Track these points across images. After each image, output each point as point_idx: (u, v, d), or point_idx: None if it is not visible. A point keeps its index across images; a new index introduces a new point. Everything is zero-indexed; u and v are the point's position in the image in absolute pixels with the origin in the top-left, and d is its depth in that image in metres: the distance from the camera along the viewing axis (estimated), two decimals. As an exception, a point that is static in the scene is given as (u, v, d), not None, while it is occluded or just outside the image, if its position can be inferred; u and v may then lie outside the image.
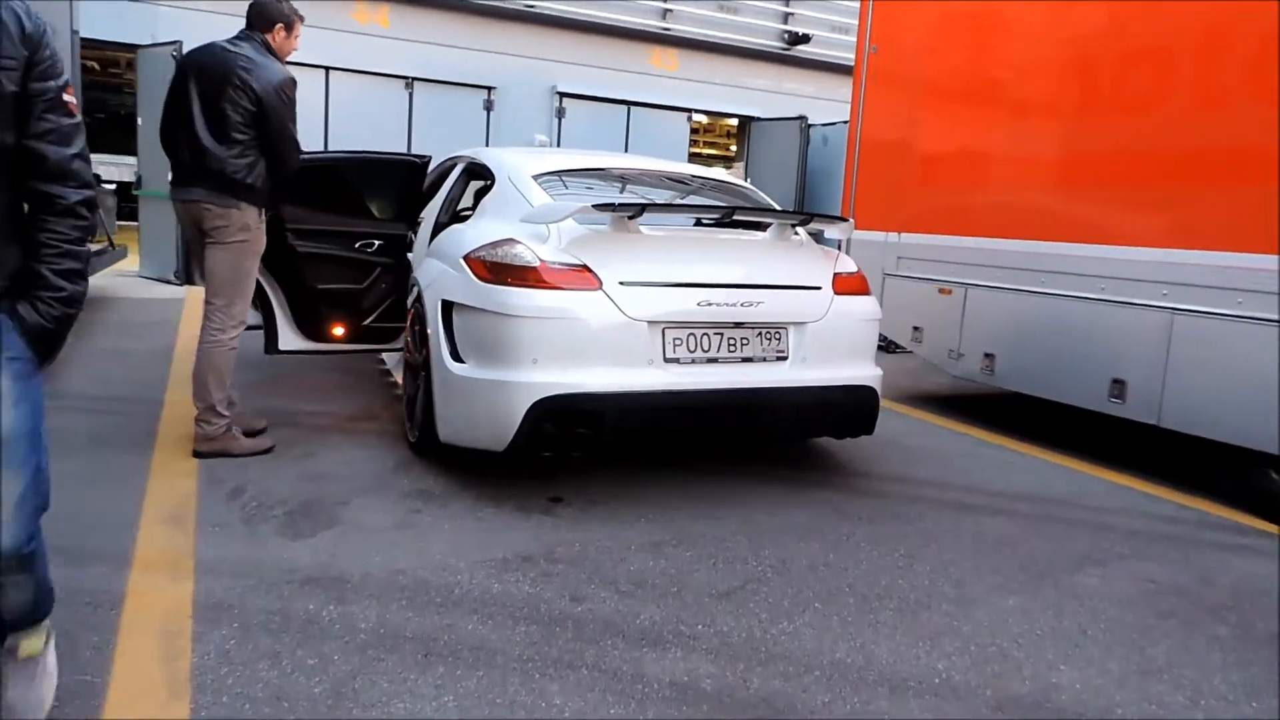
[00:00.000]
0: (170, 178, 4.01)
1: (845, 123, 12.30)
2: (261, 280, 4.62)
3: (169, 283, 10.14)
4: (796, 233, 4.09)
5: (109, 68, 17.71)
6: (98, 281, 9.29)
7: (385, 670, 2.31)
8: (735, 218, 3.80)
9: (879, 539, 3.46)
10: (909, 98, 6.07)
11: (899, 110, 6.14)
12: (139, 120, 10.51)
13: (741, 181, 4.76)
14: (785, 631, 2.66)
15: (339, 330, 4.80)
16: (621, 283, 3.48)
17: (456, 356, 3.66)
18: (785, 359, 3.74)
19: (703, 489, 3.89)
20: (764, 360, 3.70)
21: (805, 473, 4.26)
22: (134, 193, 10.81)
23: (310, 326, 4.74)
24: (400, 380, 4.83)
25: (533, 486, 3.78)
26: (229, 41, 3.93)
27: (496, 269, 3.54)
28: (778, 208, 4.37)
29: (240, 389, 5.19)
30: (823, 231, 4.93)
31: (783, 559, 3.20)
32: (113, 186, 14.98)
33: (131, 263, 10.83)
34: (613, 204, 3.47)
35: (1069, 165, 4.93)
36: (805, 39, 13.87)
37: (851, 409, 3.93)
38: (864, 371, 3.95)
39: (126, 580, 2.72)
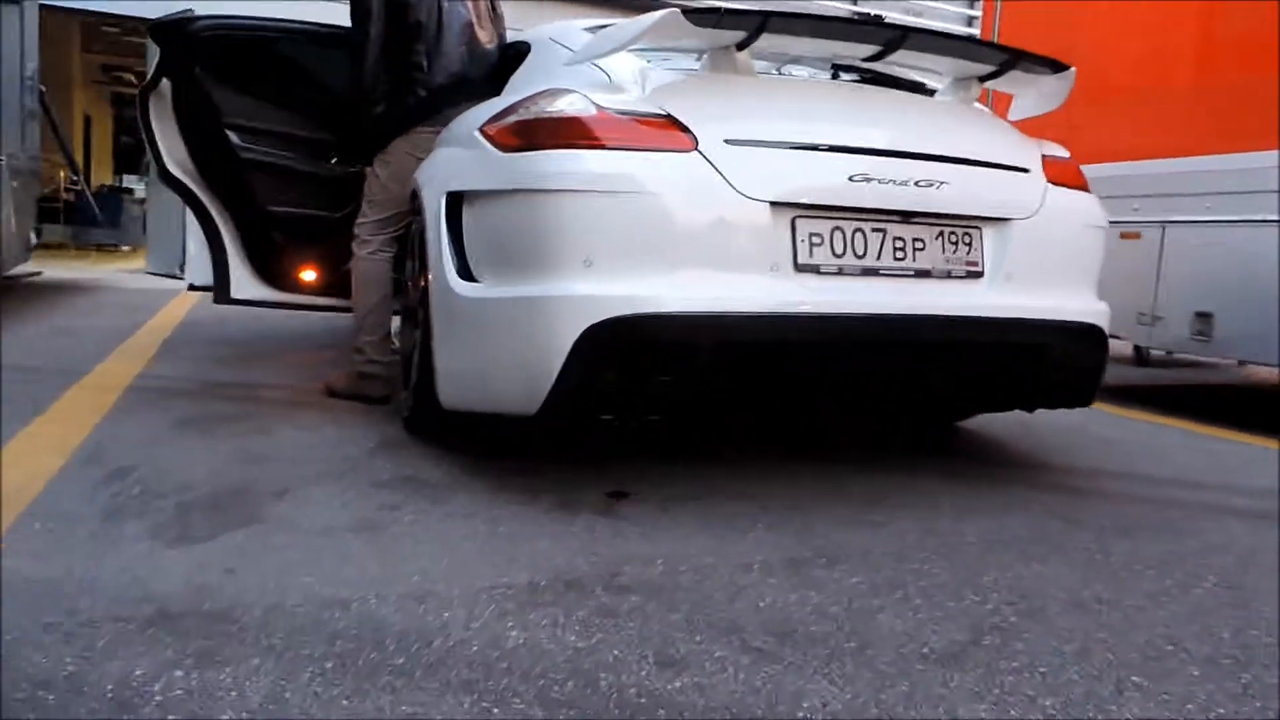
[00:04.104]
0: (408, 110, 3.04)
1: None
2: (207, 204, 3.41)
3: (175, 278, 9.05)
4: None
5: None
6: (87, 275, 8.27)
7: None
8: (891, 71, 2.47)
9: (1158, 560, 2.06)
10: None
11: None
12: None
13: None
14: (1105, 737, 1.29)
15: (309, 275, 3.55)
16: (729, 141, 2.16)
17: (466, 273, 2.37)
18: (980, 275, 2.38)
19: (832, 481, 2.53)
20: (948, 276, 2.34)
21: (972, 464, 2.89)
22: (140, 178, 9.83)
23: (270, 267, 3.50)
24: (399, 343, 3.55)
25: (580, 476, 2.46)
26: None
27: (528, 130, 2.25)
28: None
29: (205, 363, 4.00)
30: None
31: (1021, 592, 1.82)
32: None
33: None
34: (714, 10, 2.14)
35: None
36: None
37: (1073, 362, 2.55)
38: (1089, 304, 2.58)
39: None
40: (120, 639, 1.40)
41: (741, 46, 2.30)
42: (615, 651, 1.45)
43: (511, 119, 2.34)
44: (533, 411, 2.19)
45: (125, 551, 1.75)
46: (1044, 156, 2.57)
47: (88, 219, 8.78)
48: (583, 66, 2.45)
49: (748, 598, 1.70)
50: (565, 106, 2.23)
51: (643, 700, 1.31)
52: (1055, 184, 2.53)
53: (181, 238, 9.05)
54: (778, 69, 2.72)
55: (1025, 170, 2.48)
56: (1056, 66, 2.54)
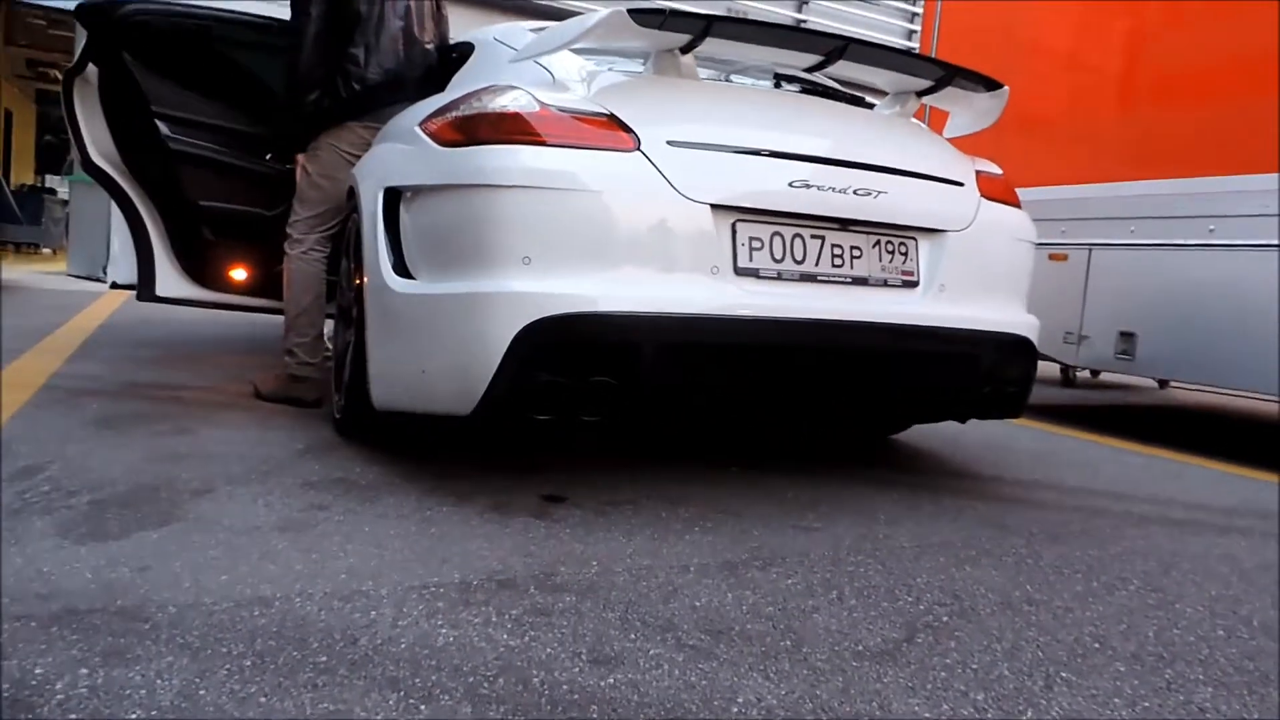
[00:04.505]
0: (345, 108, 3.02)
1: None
2: (133, 197, 3.30)
3: (98, 280, 8.74)
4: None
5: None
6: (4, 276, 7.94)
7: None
8: (831, 86, 2.51)
9: (1086, 565, 2.11)
10: None
11: None
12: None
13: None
14: (1036, 732, 1.30)
15: (240, 274, 3.45)
16: (671, 143, 2.16)
17: (403, 270, 2.32)
18: (915, 285, 2.41)
19: (769, 487, 2.54)
20: (884, 285, 2.37)
21: (905, 474, 2.92)
22: (63, 178, 9.49)
23: (199, 265, 3.39)
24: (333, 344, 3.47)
25: (515, 478, 2.42)
26: None
27: (470, 126, 2.22)
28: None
29: (127, 363, 3.85)
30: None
31: (954, 592, 1.84)
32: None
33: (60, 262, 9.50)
34: (659, 11, 2.15)
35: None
36: None
37: (1003, 372, 2.59)
38: (1019, 316, 2.64)
39: None
40: (20, 636, 1.32)
41: (686, 50, 2.31)
42: (548, 649, 1.42)
43: (453, 114, 2.30)
44: (467, 412, 2.15)
45: (30, 548, 1.66)
46: (978, 172, 2.63)
47: (6, 217, 8.42)
48: (527, 65, 2.44)
49: (683, 598, 1.68)
50: (508, 102, 2.20)
51: (575, 697, 1.28)
52: (988, 199, 2.59)
53: (106, 238, 8.77)
54: (726, 76, 2.74)
55: (960, 184, 2.52)
56: (990, 85, 2.60)
